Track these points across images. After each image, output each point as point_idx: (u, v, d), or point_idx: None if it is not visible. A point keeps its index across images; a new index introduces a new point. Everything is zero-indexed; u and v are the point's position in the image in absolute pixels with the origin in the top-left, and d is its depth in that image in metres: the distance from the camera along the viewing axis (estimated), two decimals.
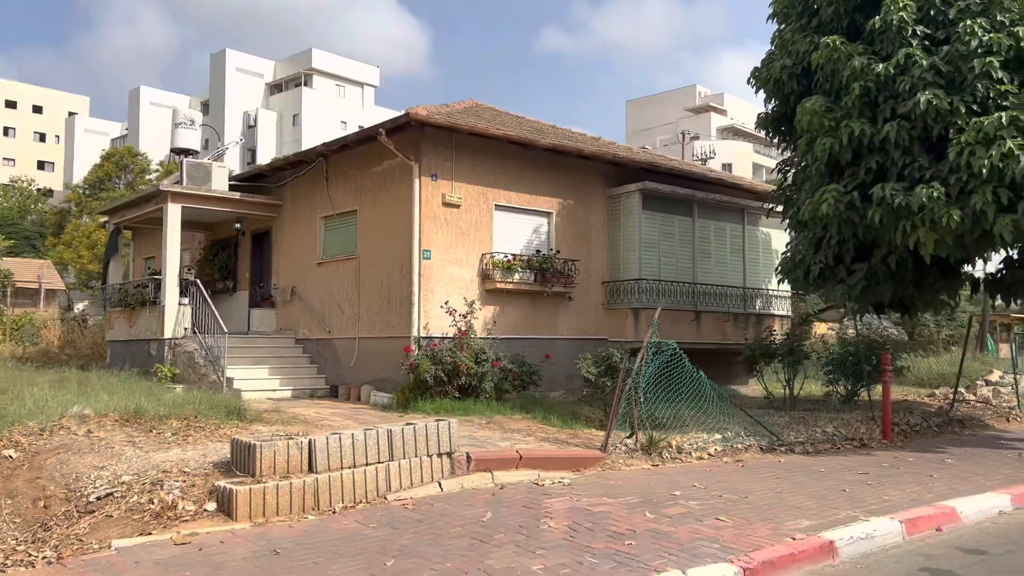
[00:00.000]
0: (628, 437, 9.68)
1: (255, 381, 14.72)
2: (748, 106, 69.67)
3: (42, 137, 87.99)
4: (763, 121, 13.61)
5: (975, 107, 9.92)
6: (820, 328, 30.82)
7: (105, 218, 21.75)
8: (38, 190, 76.73)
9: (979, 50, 9.86)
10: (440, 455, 7.61)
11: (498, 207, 14.79)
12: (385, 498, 7.09)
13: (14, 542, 6.17)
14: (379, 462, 7.20)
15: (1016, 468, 9.96)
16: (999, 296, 12.14)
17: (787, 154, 13.58)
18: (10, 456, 7.82)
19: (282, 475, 6.81)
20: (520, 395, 13.49)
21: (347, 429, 7.55)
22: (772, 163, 26.80)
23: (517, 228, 15.10)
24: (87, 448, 7.92)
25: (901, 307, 13.09)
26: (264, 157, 63.55)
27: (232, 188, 17.28)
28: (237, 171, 22.69)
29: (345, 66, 76.44)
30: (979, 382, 16.84)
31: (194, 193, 16.27)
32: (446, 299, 13.52)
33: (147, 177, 51.59)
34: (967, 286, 12.81)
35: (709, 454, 9.88)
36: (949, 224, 9.72)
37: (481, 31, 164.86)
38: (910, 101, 10.11)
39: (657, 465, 9.22)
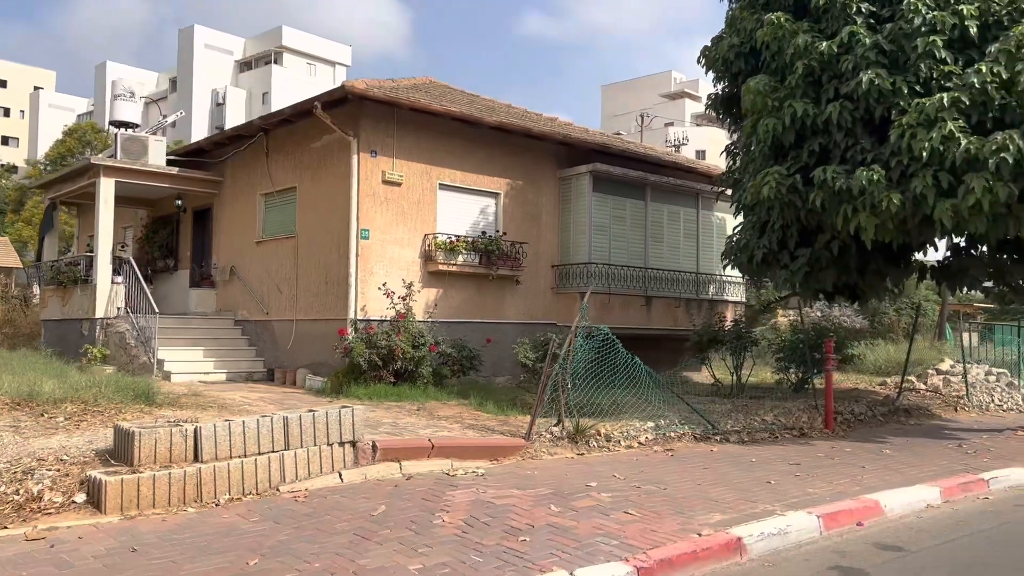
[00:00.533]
0: (555, 425, 9.33)
1: (188, 364, 14.20)
2: None
3: (6, 112, 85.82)
4: (713, 102, 13.26)
5: (918, 88, 9.62)
6: (784, 316, 30.77)
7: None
8: (1, 166, 74.90)
9: (923, 28, 9.54)
10: (343, 444, 7.21)
11: (442, 186, 14.34)
12: (278, 490, 6.67)
13: None
14: (273, 451, 6.78)
15: (953, 459, 9.75)
16: (945, 284, 11.91)
17: (737, 136, 13.25)
18: None
19: (163, 465, 6.37)
20: (460, 380, 13.12)
21: (265, 415, 7.10)
22: None
23: (463, 208, 14.66)
24: None
25: (851, 294, 12.85)
26: None
27: (172, 164, 16.65)
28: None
29: (316, 44, 75.17)
30: (930, 371, 16.71)
31: (128, 167, 15.63)
32: (385, 281, 13.06)
33: None
34: (915, 273, 12.57)
35: (639, 443, 9.57)
36: (889, 208, 9.43)
37: (462, 13, 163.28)
38: (853, 81, 9.79)
39: (582, 454, 8.89)
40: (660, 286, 16.61)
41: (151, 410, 8.95)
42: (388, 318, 12.86)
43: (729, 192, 13.51)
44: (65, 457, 6.65)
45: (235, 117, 71.71)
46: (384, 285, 12.86)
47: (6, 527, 5.54)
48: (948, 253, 12.04)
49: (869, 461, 9.39)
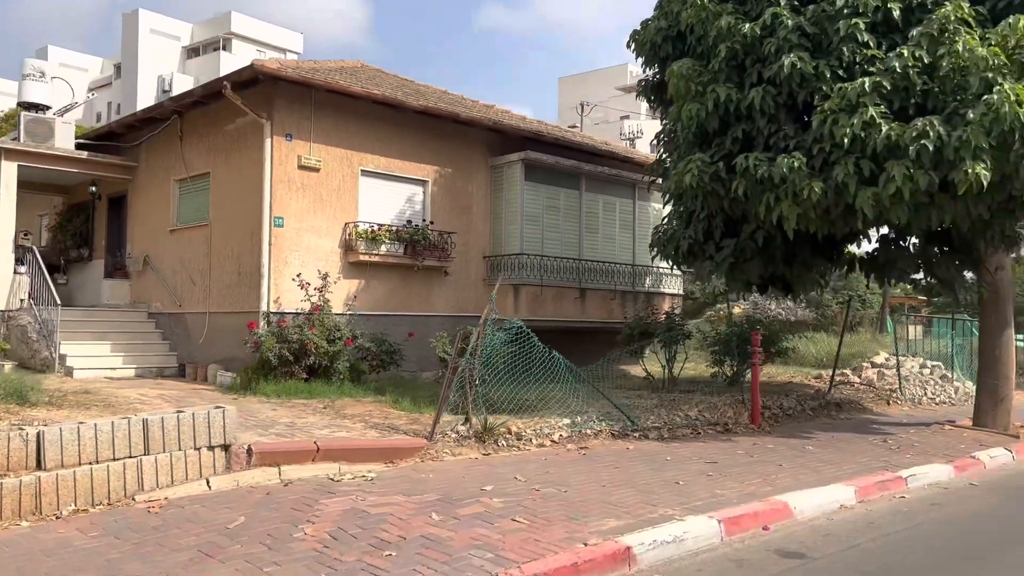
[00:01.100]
0: (463, 424, 8.83)
1: (94, 359, 13.39)
2: None
3: None
4: (643, 88, 12.83)
5: (841, 72, 9.29)
6: (737, 307, 30.66)
7: None
8: None
9: (845, 11, 9.20)
10: (213, 448, 6.62)
11: (365, 173, 13.72)
12: (133, 500, 6.07)
13: None
14: (131, 457, 6.17)
15: (876, 455, 9.50)
16: (873, 275, 11.68)
17: (665, 123, 12.85)
18: None
19: (0, 472, 5.72)
20: (381, 376, 12.55)
21: (125, 416, 6.48)
22: None
23: (388, 196, 14.06)
24: None
25: (782, 286, 12.55)
26: None
27: (83, 148, 15.75)
28: None
29: (266, 31, 73.43)
30: (865, 364, 16.60)
31: (32, 151, 14.70)
32: (300, 271, 12.43)
33: None
34: (845, 265, 12.31)
35: (552, 441, 9.12)
36: (810, 197, 9.09)
37: (422, 3, 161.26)
38: (775, 65, 9.42)
39: (488, 455, 8.41)
40: (595, 278, 16.21)
41: (21, 410, 8.22)
42: (304, 311, 12.22)
43: (660, 181, 13.13)
44: None
45: None
46: (299, 276, 12.22)
47: None
48: (877, 244, 11.79)
49: (789, 459, 9.08)
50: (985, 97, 8.15)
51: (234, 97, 12.28)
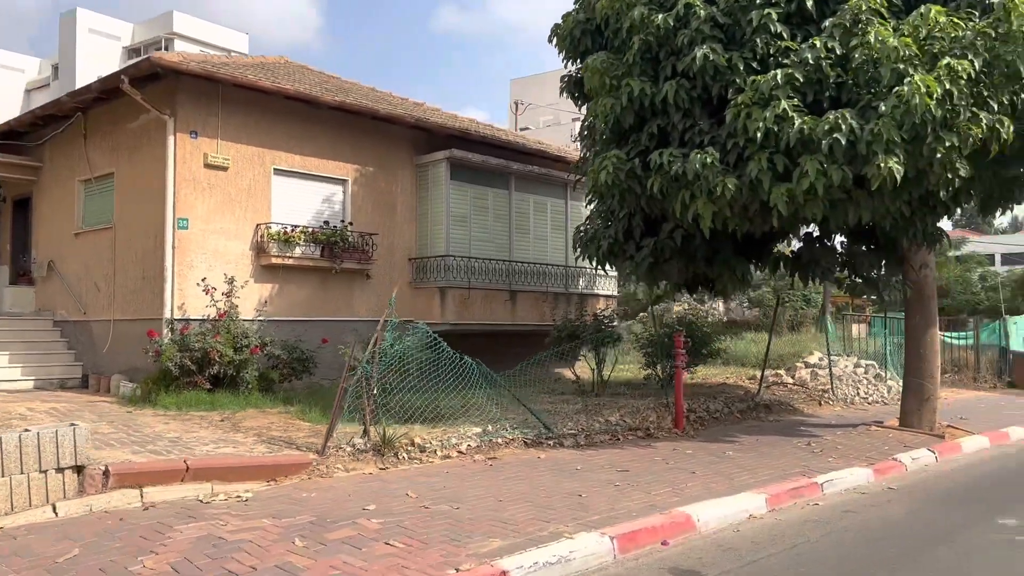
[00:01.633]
0: (363, 436, 8.32)
1: None
2: None
3: None
4: (566, 84, 12.45)
5: (755, 65, 9.00)
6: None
7: None
8: None
9: (758, 0, 8.92)
10: (63, 469, 6.01)
11: (278, 171, 13.11)
12: None
13: None
14: None
15: (796, 460, 9.22)
16: (798, 274, 11.44)
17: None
18: None
19: None
20: (293, 385, 11.97)
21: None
22: None
23: (304, 196, 13.46)
24: None
25: (710, 286, 12.29)
26: None
27: None
28: None
29: (210, 31, 71.64)
30: (799, 364, 16.47)
31: None
32: (207, 276, 11.77)
33: None
34: (769, 265, 12.06)
35: (459, 452, 8.65)
36: (724, 194, 8.78)
37: (376, 5, 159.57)
38: (688, 57, 9.10)
39: (385, 469, 7.90)
40: (526, 280, 15.80)
41: None
42: (211, 317, 11.59)
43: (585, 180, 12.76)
44: None
45: None
46: (203, 280, 11.57)
47: None
48: (800, 243, 11.57)
49: (706, 465, 8.75)
50: (896, 89, 7.91)
51: (133, 92, 11.59)
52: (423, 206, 14.90)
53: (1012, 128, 8.30)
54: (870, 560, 5.94)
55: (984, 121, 8.14)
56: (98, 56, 70.89)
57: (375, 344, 8.37)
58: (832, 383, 15.07)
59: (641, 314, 16.98)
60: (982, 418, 13.81)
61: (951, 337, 22.55)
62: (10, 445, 5.73)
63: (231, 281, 11.57)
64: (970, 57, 8.02)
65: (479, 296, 14.87)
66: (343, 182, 14.00)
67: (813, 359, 16.56)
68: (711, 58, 8.88)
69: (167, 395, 10.73)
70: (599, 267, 11.78)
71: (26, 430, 5.97)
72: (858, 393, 15.31)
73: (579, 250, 11.79)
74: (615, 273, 17.18)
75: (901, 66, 8.01)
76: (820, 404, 14.48)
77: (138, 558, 5.00)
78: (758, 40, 8.90)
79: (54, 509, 5.85)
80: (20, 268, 15.54)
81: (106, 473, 6.22)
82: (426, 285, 14.64)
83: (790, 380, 15.69)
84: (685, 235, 10.19)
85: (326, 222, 13.47)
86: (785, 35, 8.89)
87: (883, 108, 8.00)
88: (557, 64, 13.87)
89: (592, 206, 11.90)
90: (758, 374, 16.94)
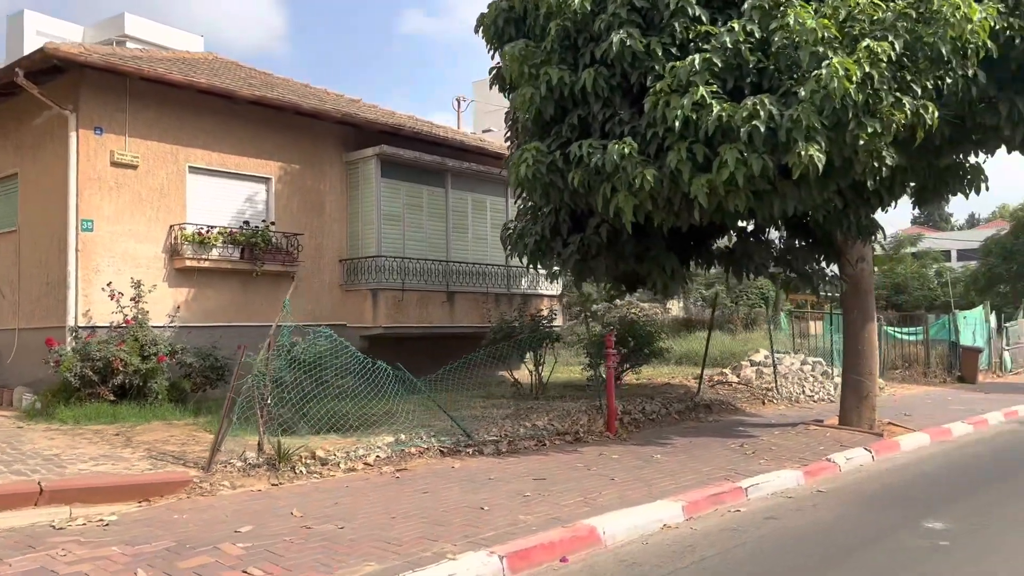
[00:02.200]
0: (258, 449, 7.74)
1: None
2: None
3: None
4: (494, 76, 11.96)
5: (674, 50, 8.60)
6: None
7: None
8: None
9: None
10: None
11: (194, 170, 12.47)
12: None
13: None
14: None
15: (726, 463, 8.82)
16: (731, 269, 11.08)
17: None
18: None
19: None
20: (207, 395, 11.34)
21: None
22: None
23: (223, 195, 12.83)
24: None
25: (646, 284, 11.87)
26: None
27: None
28: None
29: (163, 34, 69.90)
30: (744, 363, 16.16)
31: None
32: (112, 280, 11.09)
33: None
34: (708, 260, 11.69)
35: (366, 463, 8.11)
36: (644, 186, 8.36)
37: (341, 11, 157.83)
38: (605, 43, 8.67)
39: (279, 484, 7.33)
40: (465, 280, 15.30)
41: None
42: (123, 324, 10.93)
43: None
44: None
45: None
46: (109, 285, 10.91)
47: None
48: (736, 238, 11.23)
49: (629, 470, 8.31)
50: (815, 73, 7.54)
51: (30, 86, 10.91)
52: (353, 205, 14.34)
53: (936, 114, 7.99)
54: (782, 570, 5.54)
55: (908, 106, 7.82)
56: None
57: (267, 350, 7.81)
58: (776, 381, 14.77)
59: (584, 314, 16.58)
60: (927, 414, 13.59)
61: (902, 333, 22.49)
62: None
63: (138, 285, 10.93)
64: (891, 39, 7.69)
65: (414, 298, 14.34)
66: (266, 180, 13.39)
67: (759, 357, 16.26)
68: (628, 44, 8.45)
69: (67, 408, 10.06)
70: (532, 265, 11.32)
71: None
72: (803, 391, 15.03)
73: (508, 248, 11.32)
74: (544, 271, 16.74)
75: (820, 49, 7.65)
76: (764, 403, 14.16)
77: None
78: (676, 24, 8.49)
79: None
80: None
81: None
82: (357, 287, 14.07)
83: (735, 379, 15.37)
84: (613, 231, 9.76)
85: (246, 222, 12.85)
86: (705, 19, 8.49)
87: (802, 93, 7.64)
88: None
89: (520, 202, 11.45)
90: (709, 373, 16.64)
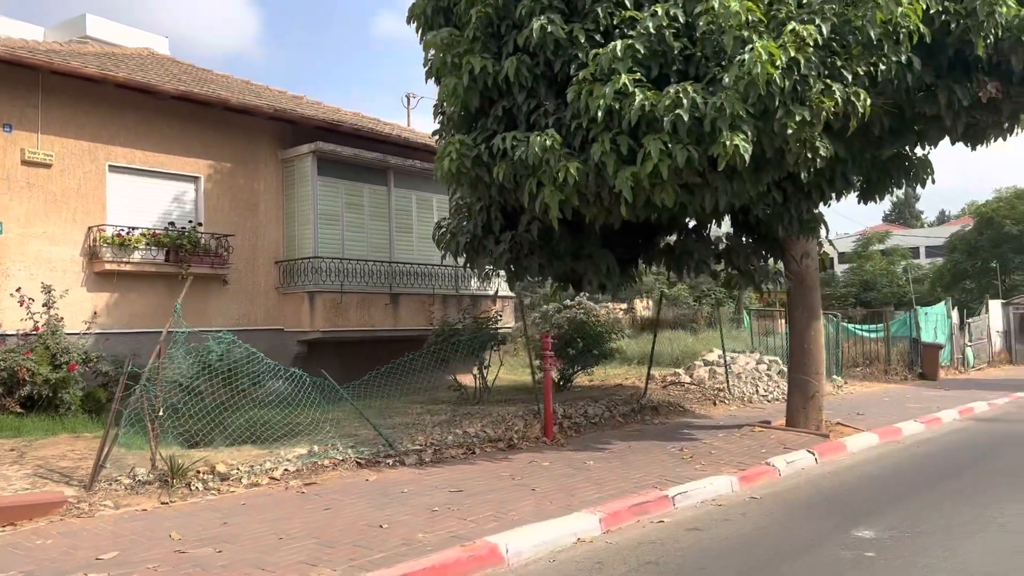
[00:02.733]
0: (151, 465, 7.22)
1: None
2: None
3: None
4: (428, 69, 11.49)
5: (599, 37, 8.20)
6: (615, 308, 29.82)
7: None
8: None
9: None
10: None
11: (115, 168, 11.89)
12: None
13: None
14: None
15: (661, 468, 8.43)
16: (672, 268, 10.71)
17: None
18: None
19: None
20: (126, 404, 10.73)
21: None
22: None
23: (148, 196, 12.26)
24: None
25: (593, 284, 11.46)
26: None
27: None
28: None
29: (126, 35, 68.62)
30: (698, 362, 15.81)
31: None
32: (27, 285, 10.51)
33: None
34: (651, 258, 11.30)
35: (273, 478, 7.61)
36: (568, 180, 7.94)
37: (314, 12, 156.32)
38: (527, 29, 8.24)
39: (169, 503, 6.80)
40: (410, 281, 14.81)
41: None
42: (31, 331, 10.34)
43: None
44: None
45: None
46: (19, 291, 10.32)
47: None
48: (676, 235, 10.85)
49: (555, 479, 7.89)
50: (738, 58, 7.16)
51: None
52: (290, 204, 13.81)
53: (869, 101, 7.63)
54: None
55: (838, 93, 7.45)
56: None
57: (157, 357, 7.29)
58: (728, 381, 14.43)
59: (534, 315, 16.18)
60: (881, 413, 13.32)
61: (864, 330, 22.31)
62: None
63: (49, 291, 10.35)
64: (818, 22, 7.34)
65: (354, 300, 13.83)
66: (195, 179, 12.83)
67: (712, 356, 15.92)
68: (549, 30, 8.03)
69: None
70: (467, 266, 10.88)
71: None
72: (757, 391, 14.71)
73: (441, 248, 10.86)
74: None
75: (745, 33, 7.28)
76: (715, 404, 13.83)
77: None
78: (600, 10, 8.10)
79: None
80: None
81: None
82: (294, 290, 13.54)
83: (688, 379, 15.01)
84: (545, 228, 9.33)
85: (171, 223, 12.27)
86: (629, 3, 8.10)
87: (727, 80, 7.25)
88: None
89: (454, 200, 11.01)
90: (660, 373, 16.28)
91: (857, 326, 22.12)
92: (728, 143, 7.17)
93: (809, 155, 7.86)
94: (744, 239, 11.01)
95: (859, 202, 10.52)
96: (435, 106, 10.25)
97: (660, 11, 7.66)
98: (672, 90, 7.36)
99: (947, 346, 23.20)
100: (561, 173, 7.91)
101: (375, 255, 14.40)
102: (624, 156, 7.79)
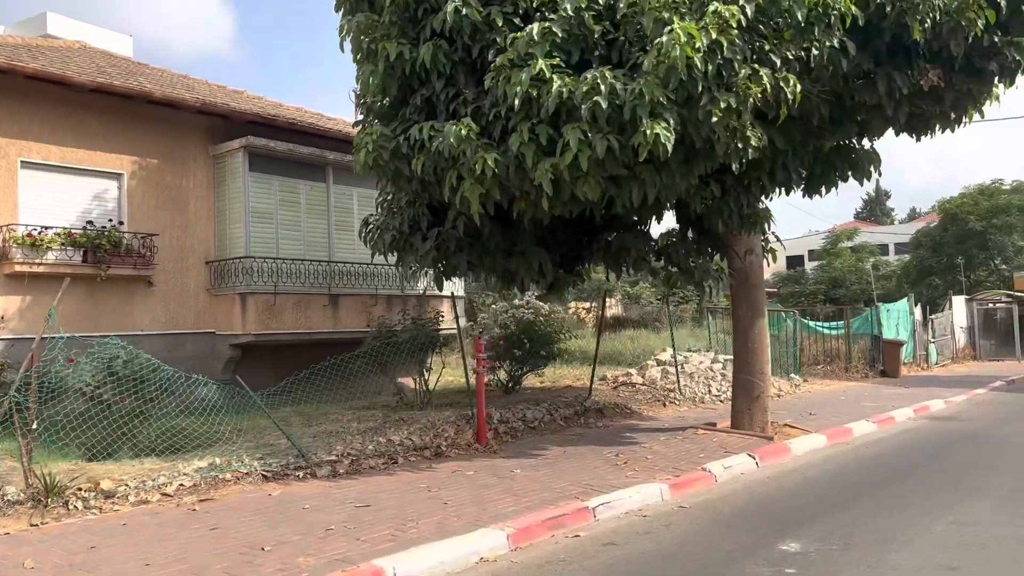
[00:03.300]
0: (25, 484, 6.65)
1: None
2: None
3: None
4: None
5: (517, 20, 7.74)
6: (581, 308, 29.41)
7: None
8: None
9: None
10: None
11: (28, 165, 11.25)
12: None
13: None
14: None
15: (590, 476, 7.99)
16: (609, 265, 10.27)
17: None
18: None
19: None
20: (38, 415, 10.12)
21: None
22: None
23: (66, 194, 11.63)
24: None
25: (541, 283, 10.98)
26: None
27: None
28: None
29: (89, 33, 67.35)
30: (650, 362, 15.41)
31: None
32: None
33: None
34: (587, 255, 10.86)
35: (165, 494, 7.06)
36: (486, 172, 7.46)
37: (289, 14, 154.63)
38: (442, 13, 7.76)
39: (41, 524, 6.22)
40: (351, 281, 14.27)
41: None
42: None
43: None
44: None
45: None
46: None
47: None
48: (615, 232, 10.40)
49: (472, 490, 7.42)
50: (657, 41, 6.72)
51: None
52: (220, 202, 13.22)
53: (799, 87, 7.24)
54: None
55: (766, 79, 7.04)
56: None
57: (29, 365, 6.73)
58: (679, 381, 14.03)
59: (480, 316, 15.68)
60: (835, 412, 12.98)
61: (825, 327, 22.05)
62: None
63: None
64: (741, 2, 6.91)
65: (290, 302, 13.27)
66: (118, 176, 12.21)
67: (665, 356, 15.52)
68: (464, 12, 7.56)
69: None
70: (398, 265, 10.38)
71: None
72: (710, 391, 14.33)
73: (368, 245, 10.35)
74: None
75: (666, 15, 6.84)
76: (664, 404, 13.42)
77: None
78: None
79: None
80: None
81: None
82: (225, 291, 12.96)
83: (640, 380, 14.61)
84: (472, 224, 8.83)
85: (90, 222, 11.65)
86: None
87: (646, 64, 6.81)
88: None
89: (381, 195, 10.49)
90: (615, 374, 15.86)
91: (819, 323, 21.85)
92: (649, 132, 6.73)
93: (740, 145, 7.45)
94: (687, 235, 10.60)
95: (804, 196, 10.15)
96: (355, 94, 9.74)
97: None
98: (589, 76, 6.92)
99: (909, 343, 23.01)
100: (479, 165, 7.44)
101: (313, 254, 13.85)
102: (544, 147, 7.33)
